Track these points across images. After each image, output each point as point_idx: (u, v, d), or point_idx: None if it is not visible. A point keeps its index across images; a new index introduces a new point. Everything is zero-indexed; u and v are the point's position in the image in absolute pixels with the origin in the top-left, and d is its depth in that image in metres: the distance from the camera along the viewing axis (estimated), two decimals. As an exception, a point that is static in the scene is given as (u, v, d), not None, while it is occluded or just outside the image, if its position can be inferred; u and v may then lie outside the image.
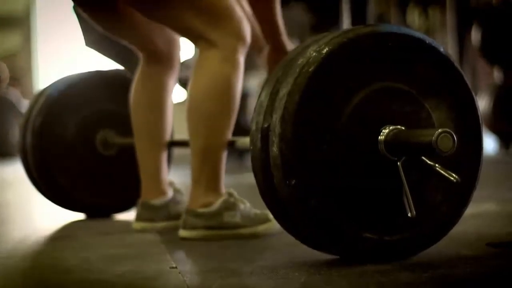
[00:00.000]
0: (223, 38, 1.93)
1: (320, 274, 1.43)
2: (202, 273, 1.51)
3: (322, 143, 1.45)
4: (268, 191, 1.50)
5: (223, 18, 1.93)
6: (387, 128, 1.49)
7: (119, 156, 2.49)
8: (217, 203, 1.94)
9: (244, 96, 6.27)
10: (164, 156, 2.19)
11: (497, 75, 6.41)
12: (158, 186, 2.16)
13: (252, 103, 5.80)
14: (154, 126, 2.16)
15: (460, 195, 1.58)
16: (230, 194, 1.98)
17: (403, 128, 1.49)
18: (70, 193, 2.48)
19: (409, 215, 1.47)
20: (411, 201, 1.47)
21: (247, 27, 1.97)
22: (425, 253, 1.60)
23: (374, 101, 1.48)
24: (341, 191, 1.47)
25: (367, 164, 1.48)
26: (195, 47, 2.01)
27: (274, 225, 1.98)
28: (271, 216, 2.00)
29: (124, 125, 2.40)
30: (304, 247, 1.58)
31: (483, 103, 6.18)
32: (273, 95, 1.48)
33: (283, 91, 1.46)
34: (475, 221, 2.19)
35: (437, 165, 1.49)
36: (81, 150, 2.48)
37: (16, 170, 7.08)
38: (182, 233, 1.95)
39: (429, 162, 1.49)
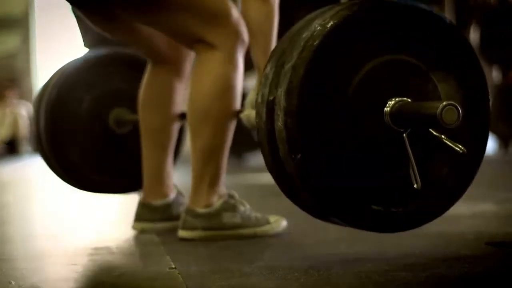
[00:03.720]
0: (221, 39, 1.93)
1: (319, 274, 1.43)
2: (202, 274, 1.52)
3: (327, 117, 1.44)
4: (274, 164, 1.50)
5: (220, 19, 1.93)
6: (393, 100, 1.49)
7: (133, 134, 2.44)
8: (217, 204, 1.95)
9: (244, 96, 6.26)
10: (170, 159, 2.18)
11: (495, 75, 6.41)
12: (159, 187, 2.16)
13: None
14: (160, 129, 2.15)
15: (466, 168, 1.57)
16: (230, 196, 1.98)
17: (409, 100, 1.49)
18: (82, 171, 2.43)
19: (415, 186, 1.48)
20: (417, 173, 1.48)
21: (244, 26, 1.97)
22: (423, 253, 1.61)
23: (379, 74, 1.48)
24: (347, 164, 1.46)
25: (373, 136, 1.48)
26: (193, 51, 2.01)
27: (274, 228, 1.99)
28: (271, 219, 2.01)
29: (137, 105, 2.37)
30: (304, 247, 1.58)
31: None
32: (278, 68, 1.48)
33: (288, 65, 1.45)
34: (473, 221, 2.19)
35: (443, 136, 1.49)
36: (94, 127, 2.45)
37: (16, 171, 7.08)
38: (181, 233, 1.95)
39: (435, 133, 1.49)
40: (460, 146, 1.48)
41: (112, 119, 2.44)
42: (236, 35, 1.95)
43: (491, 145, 6.64)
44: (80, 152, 2.42)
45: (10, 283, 1.47)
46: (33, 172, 7.13)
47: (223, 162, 1.97)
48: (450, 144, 1.48)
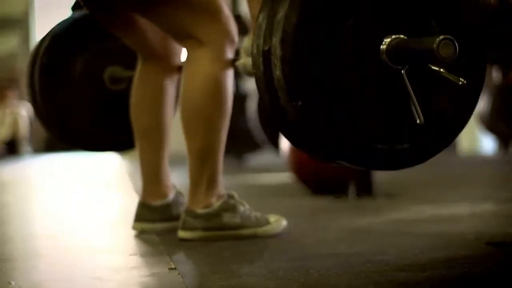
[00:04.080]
0: (210, 36, 1.94)
1: (319, 274, 1.44)
2: (202, 274, 1.52)
3: (324, 62, 1.45)
4: (275, 113, 1.50)
5: (210, 15, 1.94)
6: (389, 37, 1.49)
7: (129, 91, 2.40)
8: (217, 204, 1.95)
9: (243, 97, 6.27)
10: (165, 158, 2.18)
11: (495, 75, 6.41)
12: (158, 188, 2.16)
13: (251, 104, 5.80)
14: (154, 128, 2.16)
15: (467, 100, 1.57)
16: (230, 196, 1.98)
17: (405, 37, 1.49)
18: (79, 131, 2.40)
19: (417, 121, 1.48)
20: (418, 108, 1.48)
21: (234, 26, 1.98)
22: (423, 253, 1.61)
23: (374, 13, 1.48)
24: (348, 105, 1.47)
25: (371, 76, 1.48)
26: (184, 48, 2.01)
27: (274, 228, 1.99)
28: (271, 219, 2.01)
29: (132, 61, 2.34)
30: (304, 247, 1.58)
31: (481, 103, 6.19)
32: (271, 18, 1.48)
33: (281, 14, 1.45)
34: (473, 221, 2.20)
35: (442, 70, 1.49)
36: (90, 87, 2.42)
37: (16, 171, 7.08)
38: (181, 234, 1.95)
39: (434, 67, 1.49)
40: (459, 78, 1.48)
41: (107, 77, 2.42)
42: (225, 33, 1.95)
43: (491, 145, 6.65)
44: (78, 113, 2.38)
45: (10, 283, 1.47)
46: (33, 172, 7.14)
47: (219, 162, 1.97)
48: (449, 77, 1.49)
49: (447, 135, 1.58)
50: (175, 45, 2.14)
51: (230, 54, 1.97)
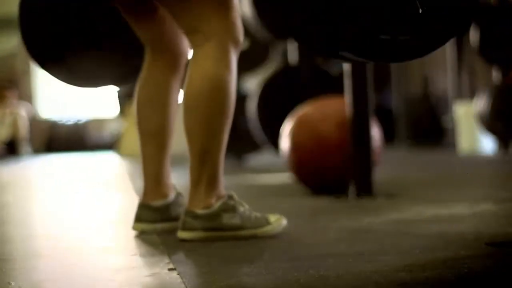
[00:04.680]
0: (217, 33, 1.94)
1: (319, 275, 1.44)
2: (201, 274, 1.52)
3: None
4: (278, 6, 1.53)
5: (222, 12, 1.94)
6: None
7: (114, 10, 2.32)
8: (217, 205, 1.95)
9: (243, 98, 6.27)
10: (168, 158, 2.18)
11: (495, 75, 6.41)
12: (159, 188, 2.16)
13: (251, 105, 5.80)
14: (159, 129, 2.15)
15: None
16: (230, 197, 1.98)
17: None
18: (73, 64, 2.33)
19: (420, 11, 1.48)
20: None
21: (241, 27, 1.98)
22: (423, 253, 1.61)
23: None
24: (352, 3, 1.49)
25: None
26: (190, 43, 2.01)
27: (274, 228, 1.99)
28: (271, 219, 2.00)
29: None
30: (304, 247, 1.58)
31: (481, 103, 6.19)
32: None
33: None
34: (473, 221, 2.20)
35: None
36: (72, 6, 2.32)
37: (16, 171, 7.08)
38: (181, 234, 1.95)
39: None
40: None
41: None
42: (232, 32, 1.95)
43: (491, 145, 6.64)
44: (69, 47, 2.28)
45: (10, 283, 1.47)
46: (33, 172, 7.14)
47: (220, 163, 1.97)
48: None
49: (450, 26, 1.57)
50: (185, 44, 2.14)
51: (234, 55, 1.97)
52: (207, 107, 1.93)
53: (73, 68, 2.33)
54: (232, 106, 1.97)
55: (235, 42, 1.97)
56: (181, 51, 2.16)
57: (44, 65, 2.30)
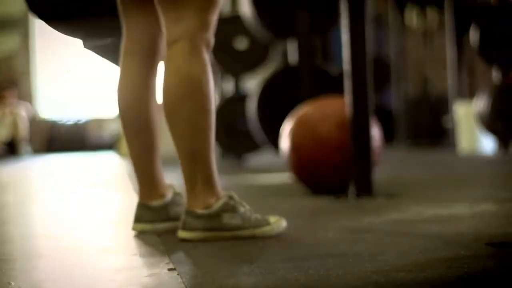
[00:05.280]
0: (194, 31, 1.93)
1: (319, 275, 1.44)
2: (201, 274, 1.52)
3: None
4: None
5: (205, 3, 1.95)
6: None
7: None
8: (217, 205, 1.95)
9: (243, 98, 6.26)
10: (157, 159, 2.17)
11: (495, 75, 6.42)
12: (155, 188, 2.15)
13: (251, 105, 5.80)
14: (144, 129, 2.14)
15: None
16: (230, 197, 1.98)
17: None
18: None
19: None
20: None
21: (215, 25, 1.99)
22: (423, 253, 1.60)
23: None
24: None
25: None
26: (167, 38, 2.00)
27: (274, 229, 1.99)
28: (271, 220, 2.01)
29: None
30: (304, 247, 1.58)
31: (481, 103, 6.19)
32: None
33: None
34: (473, 221, 2.20)
35: None
36: None
37: (15, 171, 7.08)
38: (181, 234, 1.95)
39: None
40: None
41: None
42: (205, 26, 1.95)
43: (491, 145, 6.64)
44: None
45: (10, 283, 1.47)
46: (33, 172, 7.14)
47: (212, 162, 1.96)
48: None
49: None
50: (162, 45, 2.13)
51: (207, 55, 1.97)
52: (186, 107, 1.92)
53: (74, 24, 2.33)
54: (211, 103, 1.95)
55: (208, 44, 1.97)
56: (159, 50, 2.15)
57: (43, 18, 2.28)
